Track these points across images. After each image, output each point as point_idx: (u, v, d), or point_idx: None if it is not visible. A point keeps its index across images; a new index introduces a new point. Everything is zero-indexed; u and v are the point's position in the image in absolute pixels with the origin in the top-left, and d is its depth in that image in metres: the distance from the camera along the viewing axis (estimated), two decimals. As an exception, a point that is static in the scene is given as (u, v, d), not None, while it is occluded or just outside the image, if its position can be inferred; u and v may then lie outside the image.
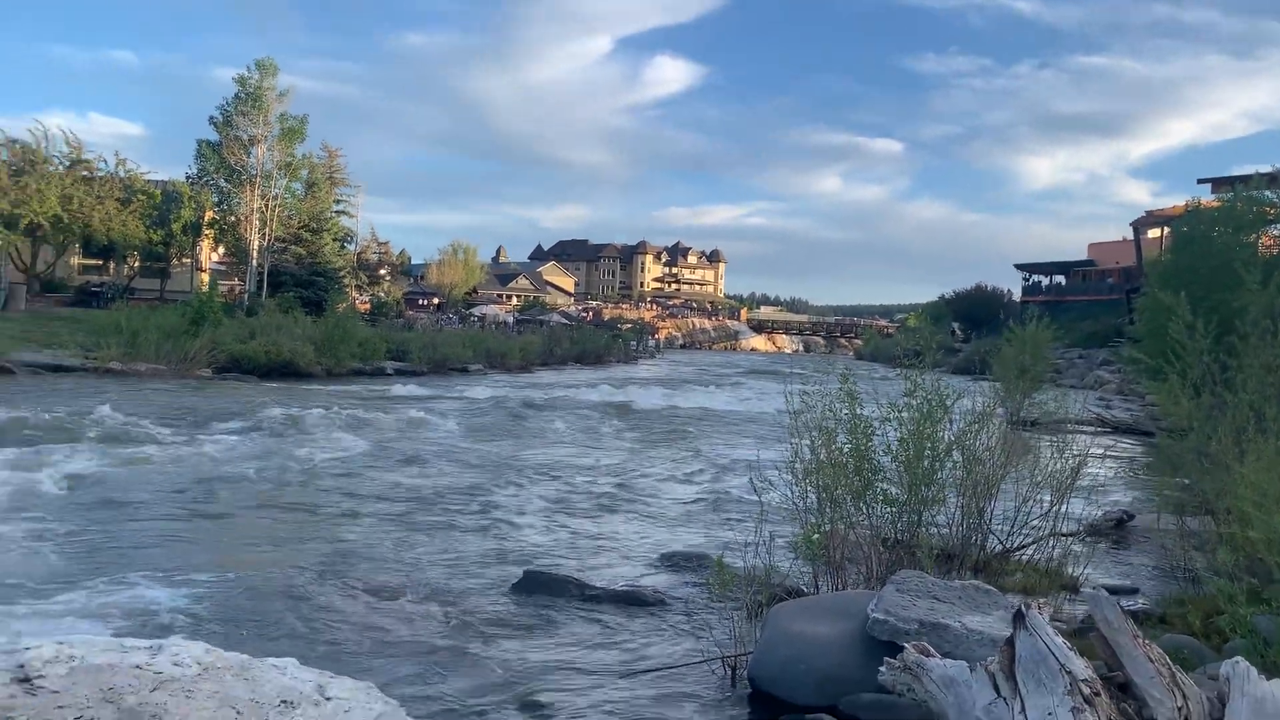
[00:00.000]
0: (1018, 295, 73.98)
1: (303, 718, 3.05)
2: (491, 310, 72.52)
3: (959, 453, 7.13)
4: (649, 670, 5.50)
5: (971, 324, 66.80)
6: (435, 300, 77.53)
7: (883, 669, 4.04)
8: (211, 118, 41.80)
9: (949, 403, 7.11)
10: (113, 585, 6.72)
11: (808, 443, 6.84)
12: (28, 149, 37.51)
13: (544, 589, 7.10)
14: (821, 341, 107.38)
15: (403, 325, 46.65)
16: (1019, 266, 77.82)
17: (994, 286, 75.19)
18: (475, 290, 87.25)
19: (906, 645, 3.92)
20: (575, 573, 7.56)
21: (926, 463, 6.77)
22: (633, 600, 6.89)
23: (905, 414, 6.92)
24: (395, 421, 18.11)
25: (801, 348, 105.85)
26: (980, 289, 74.08)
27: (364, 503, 10.41)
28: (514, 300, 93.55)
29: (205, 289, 37.26)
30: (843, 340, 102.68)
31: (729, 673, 5.34)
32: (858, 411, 6.88)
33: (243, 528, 9.04)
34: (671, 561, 8.10)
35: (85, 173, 38.68)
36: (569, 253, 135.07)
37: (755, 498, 10.65)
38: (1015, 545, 7.72)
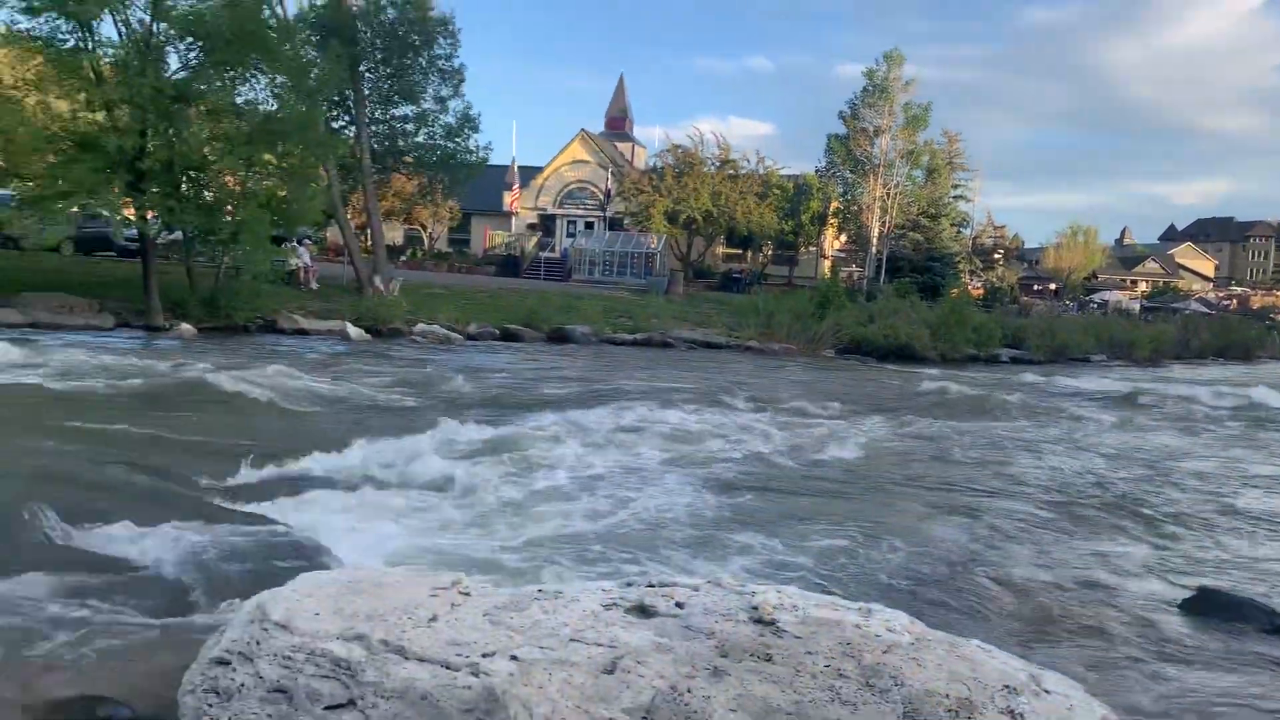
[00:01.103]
0: None
1: (1026, 706, 3.04)
2: (1113, 296, 66.86)
3: None
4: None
5: None
6: (1051, 286, 73.63)
7: None
8: (840, 112, 44.32)
9: None
10: (771, 540, 7.36)
11: None
12: (687, 152, 43.24)
13: (1223, 611, 6.32)
14: None
15: (1017, 311, 45.16)
16: None
17: None
18: (1094, 275, 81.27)
19: None
20: (1259, 597, 6.64)
21: None
22: (1346, 642, 5.85)
23: None
24: (1024, 409, 17.62)
25: None
26: None
27: (1012, 489, 10.25)
28: (1140, 286, 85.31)
29: (829, 275, 39.64)
30: None
31: None
32: None
33: (898, 502, 9.41)
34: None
35: (731, 171, 43.43)
36: (1207, 232, 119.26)
37: None
38: None
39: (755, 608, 3.53)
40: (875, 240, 43.68)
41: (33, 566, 5.19)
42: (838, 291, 33.41)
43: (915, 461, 11.63)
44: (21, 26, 20.00)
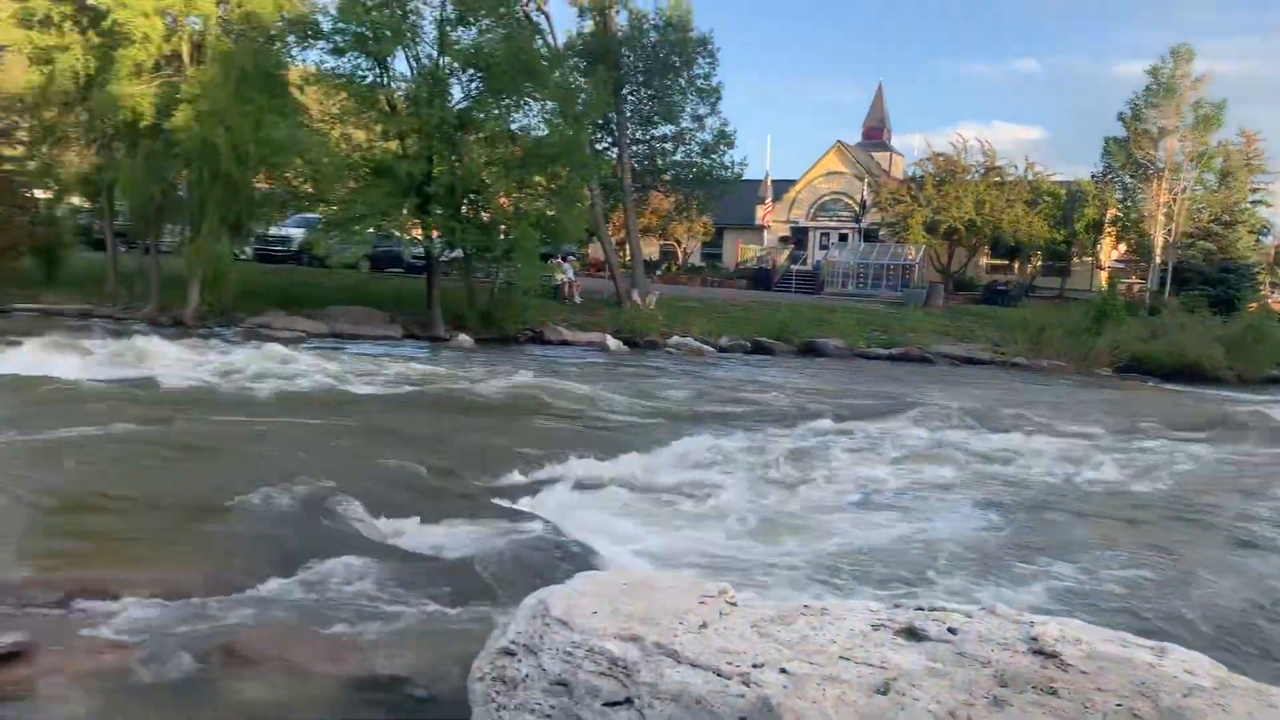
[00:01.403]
0: None
1: (1355, 768, 2.73)
2: None
3: None
4: None
5: None
6: (1375, 299, 65.02)
7: None
8: (1120, 114, 41.30)
9: None
10: (1054, 569, 6.93)
11: None
12: (949, 160, 41.72)
13: None
14: None
15: (1331, 328, 40.26)
16: None
17: None
18: None
19: None
20: None
21: None
22: None
23: None
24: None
25: None
26: None
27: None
28: None
29: (1105, 287, 36.99)
30: None
31: None
32: None
33: (1201, 535, 8.63)
34: None
35: (997, 178, 41.45)
36: None
37: None
38: None
39: (1035, 638, 3.37)
40: (1159, 250, 40.31)
41: (340, 553, 5.74)
42: (1116, 305, 31.08)
43: (1222, 491, 10.53)
44: (328, 66, 22.39)
